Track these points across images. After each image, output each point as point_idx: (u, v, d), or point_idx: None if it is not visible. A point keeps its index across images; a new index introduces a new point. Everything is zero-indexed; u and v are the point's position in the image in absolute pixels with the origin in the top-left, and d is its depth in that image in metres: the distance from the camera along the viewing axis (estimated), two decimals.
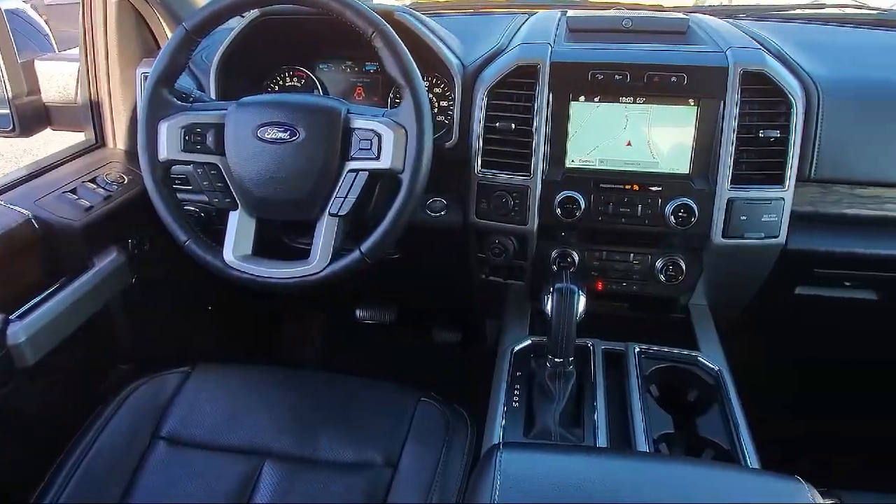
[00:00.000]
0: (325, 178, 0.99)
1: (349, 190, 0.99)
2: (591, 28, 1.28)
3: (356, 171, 0.98)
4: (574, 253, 1.19)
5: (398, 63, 0.95)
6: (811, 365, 1.71)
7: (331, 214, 1.00)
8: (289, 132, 0.98)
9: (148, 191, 1.04)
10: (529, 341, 1.13)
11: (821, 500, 0.67)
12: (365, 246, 0.99)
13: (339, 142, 0.98)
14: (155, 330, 1.46)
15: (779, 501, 0.66)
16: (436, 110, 1.27)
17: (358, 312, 1.84)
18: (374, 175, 1.00)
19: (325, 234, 1.00)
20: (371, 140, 0.97)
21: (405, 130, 0.96)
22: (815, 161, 1.10)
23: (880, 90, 1.14)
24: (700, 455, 0.96)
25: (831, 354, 1.66)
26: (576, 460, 0.74)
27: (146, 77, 1.07)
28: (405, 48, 0.96)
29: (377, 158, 0.97)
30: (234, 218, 1.03)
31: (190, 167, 1.04)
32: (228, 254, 1.02)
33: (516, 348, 1.12)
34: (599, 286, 1.22)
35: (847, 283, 1.23)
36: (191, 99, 1.09)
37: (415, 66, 0.96)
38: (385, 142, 0.96)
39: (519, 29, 1.30)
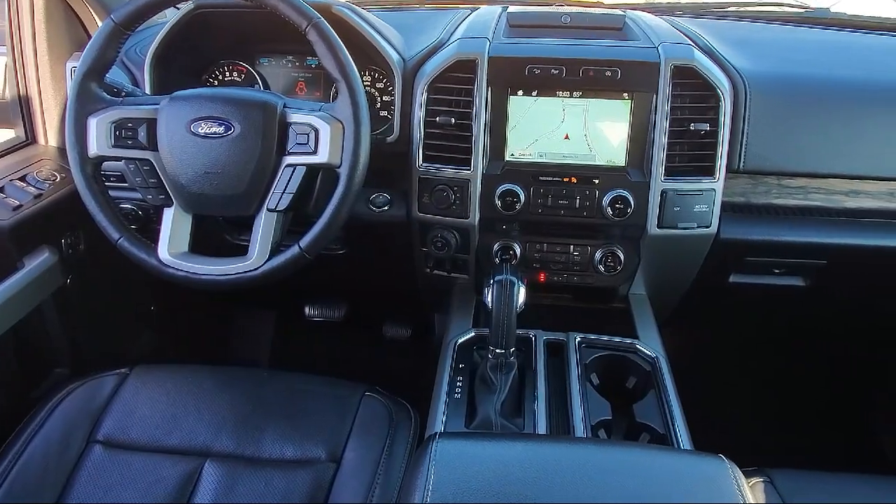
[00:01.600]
0: (261, 173, 0.98)
1: (287, 185, 0.98)
2: (531, 24, 1.30)
3: (293, 165, 0.98)
4: (516, 245, 1.21)
5: (333, 57, 0.95)
6: (745, 350, 1.78)
7: (269, 210, 0.99)
8: (224, 126, 0.97)
9: (77, 188, 1.01)
10: (473, 333, 1.14)
11: (742, 478, 0.70)
12: (304, 242, 0.98)
13: (276, 136, 0.97)
14: (93, 332, 1.41)
15: (701, 479, 0.69)
16: (379, 105, 1.27)
17: (307, 310, 1.82)
18: (313, 169, 0.99)
19: (262, 229, 0.99)
20: (308, 134, 0.96)
21: (342, 125, 0.96)
22: (743, 153, 1.14)
23: (805, 85, 1.19)
24: (637, 439, 0.99)
25: (764, 339, 1.73)
26: (511, 447, 0.75)
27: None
28: (340, 42, 0.95)
29: (314, 153, 0.96)
30: (168, 215, 1.01)
31: (122, 163, 1.02)
32: (163, 251, 1.00)
33: (459, 341, 1.13)
34: (541, 278, 1.24)
35: (776, 271, 1.28)
36: (122, 94, 1.07)
37: (350, 59, 0.96)
38: (322, 136, 0.96)
39: (460, 24, 1.31)
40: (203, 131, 0.97)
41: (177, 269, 1.00)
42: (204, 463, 0.99)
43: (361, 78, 1.24)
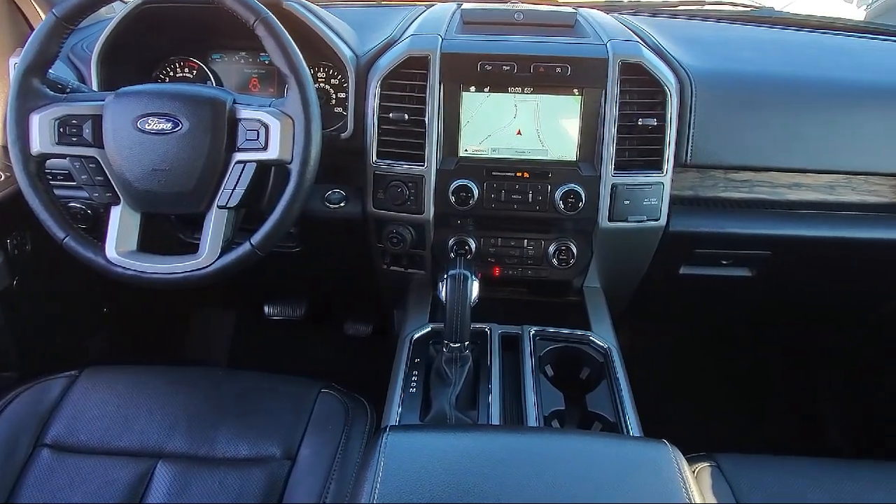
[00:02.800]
0: (211, 170, 0.97)
1: (237, 181, 0.97)
2: (484, 21, 1.31)
3: (244, 162, 0.97)
4: (471, 240, 1.22)
5: (282, 52, 0.94)
6: (697, 340, 1.83)
7: (219, 207, 0.98)
8: (171, 123, 0.96)
9: (21, 187, 0.99)
10: (429, 328, 1.15)
11: (683, 461, 0.72)
12: (255, 238, 0.98)
13: (225, 132, 0.96)
14: (42, 334, 1.38)
15: (644, 463, 0.71)
16: (333, 102, 1.27)
17: (266, 309, 1.81)
18: (264, 166, 0.99)
19: (213, 227, 0.98)
20: (258, 130, 0.96)
21: (292, 120, 0.95)
22: (690, 148, 1.17)
23: (748, 82, 1.22)
24: (589, 428, 1.01)
25: (715, 329, 1.78)
26: (461, 438, 0.76)
27: None
28: (289, 37, 0.95)
29: (265, 149, 0.96)
30: (115, 213, 1.00)
31: (67, 161, 1.00)
32: (111, 251, 0.98)
33: (416, 336, 1.14)
34: (496, 272, 1.25)
35: (724, 262, 1.32)
36: (67, 90, 1.04)
37: (300, 55, 0.95)
38: (272, 132, 0.95)
39: (414, 21, 1.31)
40: (150, 128, 0.95)
41: (125, 269, 0.98)
42: (156, 464, 0.98)
43: (315, 74, 1.26)
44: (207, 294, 1.84)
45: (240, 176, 0.97)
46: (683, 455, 1.04)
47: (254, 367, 1.19)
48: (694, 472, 1.00)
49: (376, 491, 0.66)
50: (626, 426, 0.96)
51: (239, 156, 0.97)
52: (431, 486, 0.67)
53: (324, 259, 1.43)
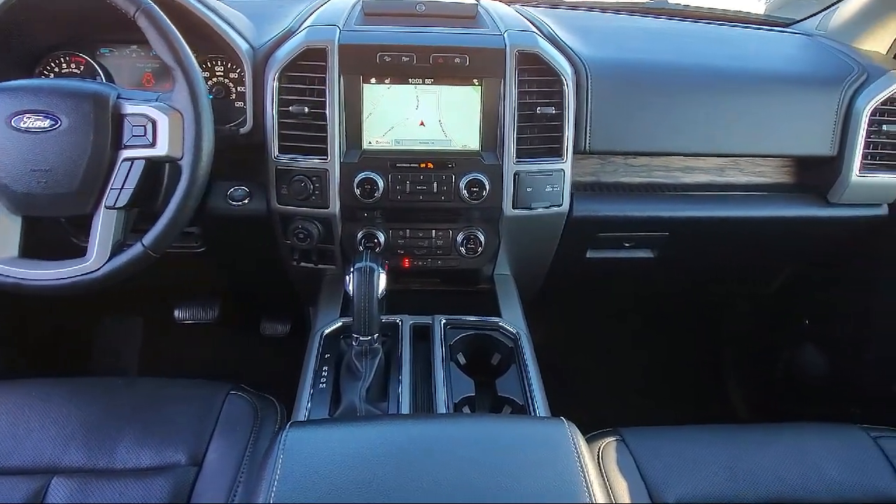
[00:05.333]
0: (96, 169, 0.92)
1: (125, 180, 0.93)
2: (386, 12, 1.30)
3: (131, 159, 0.93)
4: (379, 233, 1.22)
5: (166, 44, 0.91)
6: (609, 321, 1.90)
7: (107, 207, 0.94)
8: (49, 120, 0.90)
9: None
10: (339, 323, 1.14)
11: (579, 436, 0.75)
12: (147, 239, 0.94)
13: (110, 129, 0.92)
14: None
15: (541, 440, 0.73)
16: (234, 96, 1.23)
17: (177, 313, 1.74)
18: (154, 163, 0.95)
19: (101, 228, 0.94)
20: (145, 126, 0.92)
21: (181, 115, 0.92)
22: (588, 135, 1.21)
23: (643, 70, 1.27)
24: (500, 412, 1.03)
25: (625, 310, 1.85)
26: (364, 430, 0.75)
27: None
28: (173, 28, 0.92)
29: (153, 145, 0.92)
30: None
31: None
32: None
33: (326, 331, 1.12)
34: (406, 263, 1.26)
35: (627, 245, 1.37)
36: None
37: (185, 46, 0.92)
38: (160, 128, 0.92)
39: (314, 12, 1.29)
40: (26, 125, 0.90)
41: (5, 277, 0.92)
42: (50, 480, 0.93)
43: (212, 68, 1.22)
44: (113, 301, 1.75)
45: (127, 174, 0.93)
46: (593, 431, 1.08)
47: (166, 375, 1.15)
48: (600, 446, 1.04)
49: (273, 490, 0.65)
50: (534, 408, 0.99)
51: (126, 153, 0.93)
52: (332, 480, 0.67)
53: (232, 258, 1.40)
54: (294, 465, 0.68)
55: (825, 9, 1.48)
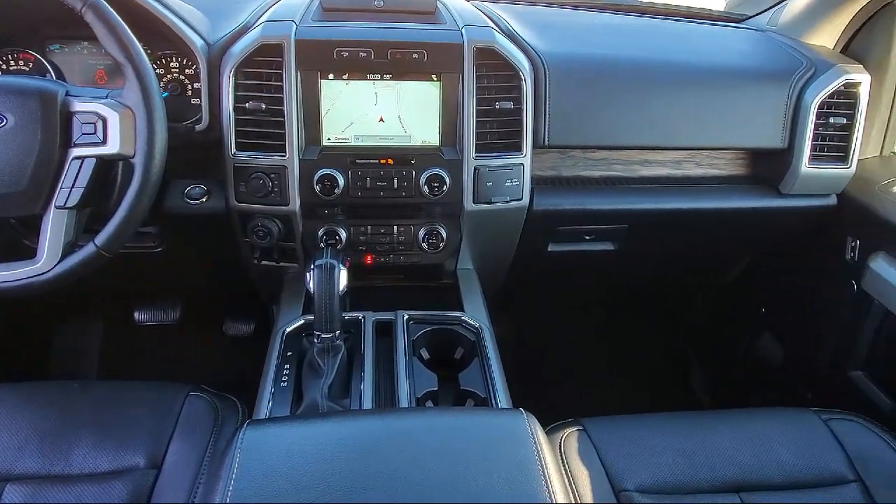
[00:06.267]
0: (45, 168, 0.90)
1: (76, 179, 0.91)
2: (344, 7, 1.30)
3: (81, 158, 0.91)
4: (340, 230, 1.21)
5: (115, 39, 0.89)
6: (573, 314, 1.92)
7: (58, 207, 0.92)
8: None
9: None
10: (301, 321, 1.13)
11: (537, 426, 0.76)
12: (100, 239, 0.92)
13: (58, 127, 0.90)
14: None
15: (500, 431, 0.74)
16: (190, 93, 1.21)
17: (137, 315, 1.71)
18: (106, 162, 0.93)
19: (52, 229, 0.92)
20: (95, 124, 0.90)
21: (132, 112, 0.90)
22: (547, 129, 1.22)
23: (600, 65, 1.29)
24: (463, 405, 1.03)
25: (589, 303, 1.87)
26: (323, 426, 0.75)
27: None
28: (121, 23, 0.90)
29: (103, 143, 0.90)
30: None
31: None
32: None
33: (287, 329, 1.12)
34: (368, 260, 1.25)
35: (587, 237, 1.39)
36: None
37: (135, 41, 0.90)
38: (111, 125, 0.90)
39: (270, 7, 1.28)
40: None
41: None
42: (3, 488, 0.91)
43: (167, 64, 1.20)
44: (72, 303, 1.71)
45: (78, 173, 0.91)
46: (555, 422, 1.10)
47: (127, 378, 1.12)
48: (562, 436, 1.06)
49: (230, 489, 0.64)
50: (496, 400, 1.00)
51: (76, 151, 0.91)
52: (290, 476, 0.66)
53: (191, 258, 1.38)
54: (251, 462, 0.68)
55: (776, 5, 1.52)
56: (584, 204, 1.31)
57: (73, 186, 0.91)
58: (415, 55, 1.13)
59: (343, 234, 1.22)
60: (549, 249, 1.41)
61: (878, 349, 1.32)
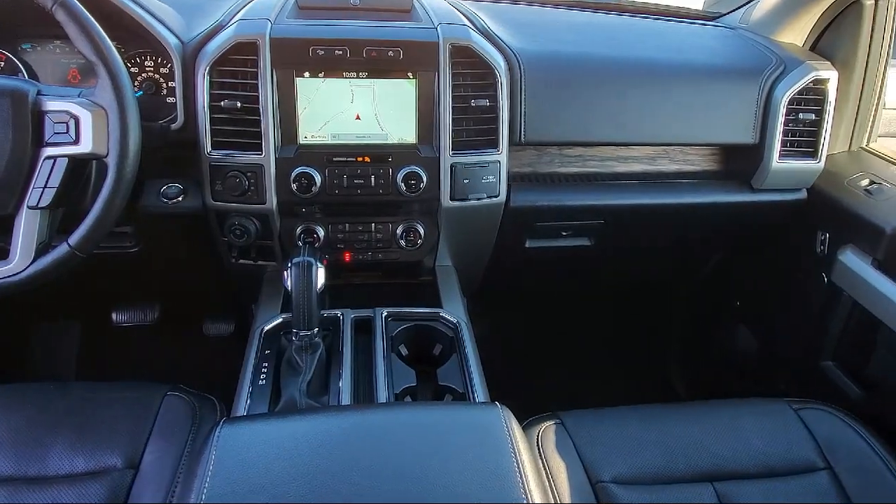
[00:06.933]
0: (16, 168, 0.89)
1: (48, 179, 0.90)
2: (320, 6, 1.30)
3: (53, 157, 0.90)
4: (318, 228, 1.21)
5: (86, 38, 0.88)
6: (552, 309, 1.94)
7: (30, 207, 0.91)
8: None
9: None
10: (280, 319, 1.13)
11: (512, 419, 0.77)
12: (73, 239, 0.91)
13: (30, 126, 0.89)
14: None
15: (475, 425, 0.74)
16: (165, 92, 1.21)
17: (114, 316, 1.70)
18: (79, 161, 0.92)
19: (24, 229, 0.91)
20: (67, 123, 0.90)
21: (105, 111, 0.90)
22: (523, 127, 1.23)
23: (576, 63, 1.30)
24: (441, 400, 1.04)
25: (568, 298, 1.89)
26: (300, 422, 0.76)
27: None
28: (93, 21, 0.89)
29: (76, 143, 0.90)
30: None
31: None
32: None
33: (266, 328, 1.12)
34: (347, 257, 1.26)
35: (564, 233, 1.41)
36: None
37: (107, 39, 0.90)
38: (84, 124, 0.90)
39: (245, 5, 1.27)
40: None
41: None
42: None
43: (142, 63, 1.19)
44: (49, 305, 1.69)
45: (50, 173, 0.90)
46: (534, 416, 1.11)
47: (106, 379, 1.12)
48: (540, 430, 1.07)
49: (205, 487, 0.64)
50: (474, 395, 1.01)
51: (48, 151, 0.90)
52: (266, 472, 0.67)
53: (168, 258, 1.37)
54: (227, 460, 0.68)
55: (747, 3, 1.54)
56: (561, 200, 1.32)
57: (45, 186, 0.90)
58: (390, 53, 1.13)
59: (321, 232, 1.22)
60: (527, 245, 1.42)
61: (848, 340, 1.35)
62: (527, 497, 0.66)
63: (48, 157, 0.90)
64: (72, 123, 0.89)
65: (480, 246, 1.36)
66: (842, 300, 1.33)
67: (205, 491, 0.64)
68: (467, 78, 1.17)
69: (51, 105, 0.90)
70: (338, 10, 1.30)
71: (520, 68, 1.22)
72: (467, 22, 1.26)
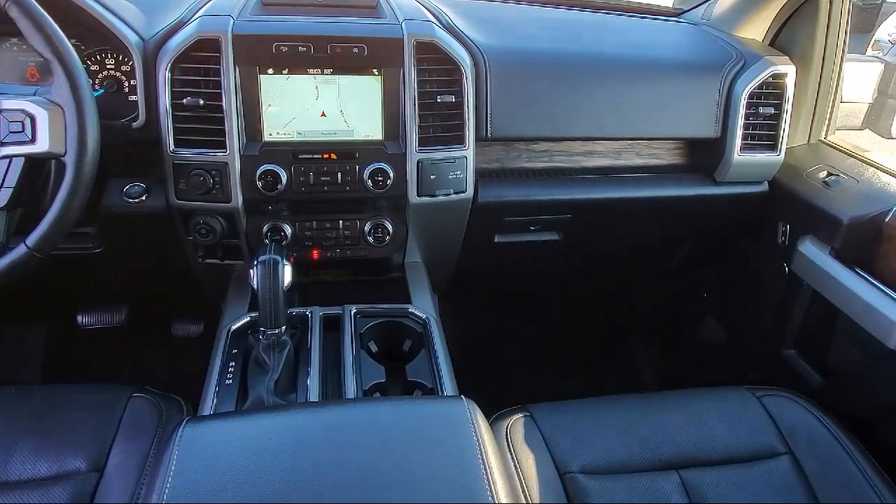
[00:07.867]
0: None
1: (4, 178, 0.89)
2: (284, 2, 1.29)
3: (9, 157, 0.89)
4: (285, 225, 1.21)
5: (40, 34, 0.87)
6: (522, 303, 1.95)
7: None
8: None
9: None
10: (247, 318, 1.13)
11: (477, 412, 0.77)
12: (31, 239, 0.90)
13: None
14: None
15: (439, 418, 0.75)
16: (127, 90, 1.19)
17: (80, 318, 1.67)
18: (36, 161, 0.91)
19: None
20: (23, 122, 0.88)
21: (62, 109, 0.88)
22: (489, 122, 1.24)
23: (541, 58, 1.31)
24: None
25: (537, 292, 1.91)
26: (265, 420, 0.76)
27: None
28: (47, 17, 0.87)
29: (32, 142, 0.88)
30: None
31: None
32: None
33: (233, 327, 1.11)
34: (315, 255, 1.25)
35: (532, 228, 1.42)
36: None
37: (62, 36, 0.88)
38: (39, 123, 0.88)
39: (208, 2, 1.26)
40: None
41: None
42: None
43: (102, 61, 1.17)
44: (13, 308, 1.66)
45: (6, 172, 0.88)
46: (503, 409, 1.12)
47: (73, 382, 1.10)
48: (509, 423, 1.08)
49: (167, 486, 0.64)
50: (442, 390, 1.01)
51: (3, 150, 0.89)
52: (229, 470, 0.66)
53: (133, 258, 1.35)
54: (189, 459, 0.68)
55: None
56: (528, 195, 1.33)
57: (1, 186, 0.89)
58: (355, 50, 1.13)
59: (288, 230, 1.21)
60: (496, 240, 1.43)
61: (808, 328, 1.38)
62: (490, 489, 0.67)
63: (4, 157, 0.89)
64: (27, 122, 0.88)
65: (449, 242, 1.37)
66: (802, 290, 1.36)
67: (167, 491, 0.64)
68: (433, 74, 1.18)
69: (5, 103, 0.88)
70: (302, 6, 1.29)
71: (485, 64, 1.22)
72: (432, 18, 1.26)
